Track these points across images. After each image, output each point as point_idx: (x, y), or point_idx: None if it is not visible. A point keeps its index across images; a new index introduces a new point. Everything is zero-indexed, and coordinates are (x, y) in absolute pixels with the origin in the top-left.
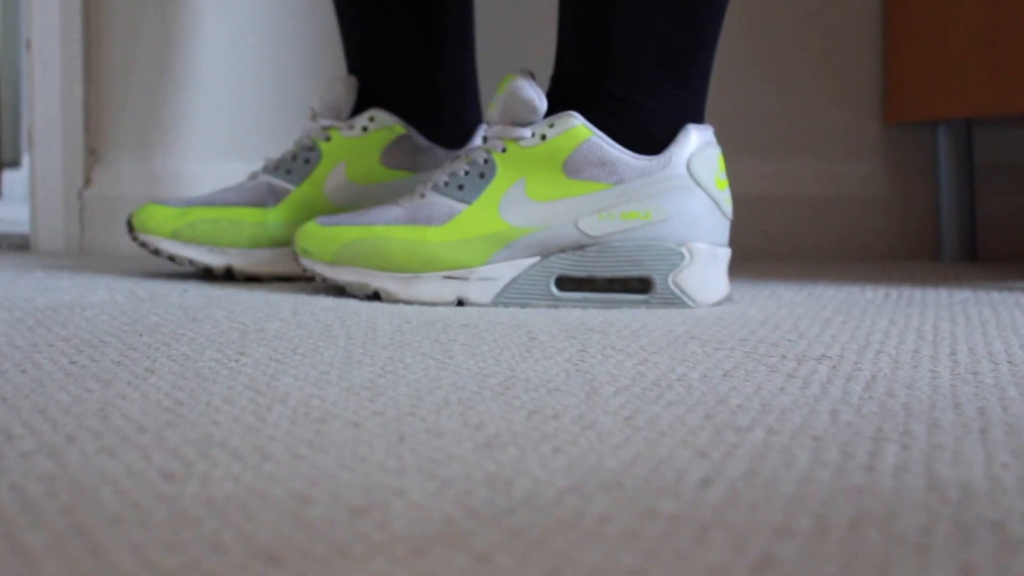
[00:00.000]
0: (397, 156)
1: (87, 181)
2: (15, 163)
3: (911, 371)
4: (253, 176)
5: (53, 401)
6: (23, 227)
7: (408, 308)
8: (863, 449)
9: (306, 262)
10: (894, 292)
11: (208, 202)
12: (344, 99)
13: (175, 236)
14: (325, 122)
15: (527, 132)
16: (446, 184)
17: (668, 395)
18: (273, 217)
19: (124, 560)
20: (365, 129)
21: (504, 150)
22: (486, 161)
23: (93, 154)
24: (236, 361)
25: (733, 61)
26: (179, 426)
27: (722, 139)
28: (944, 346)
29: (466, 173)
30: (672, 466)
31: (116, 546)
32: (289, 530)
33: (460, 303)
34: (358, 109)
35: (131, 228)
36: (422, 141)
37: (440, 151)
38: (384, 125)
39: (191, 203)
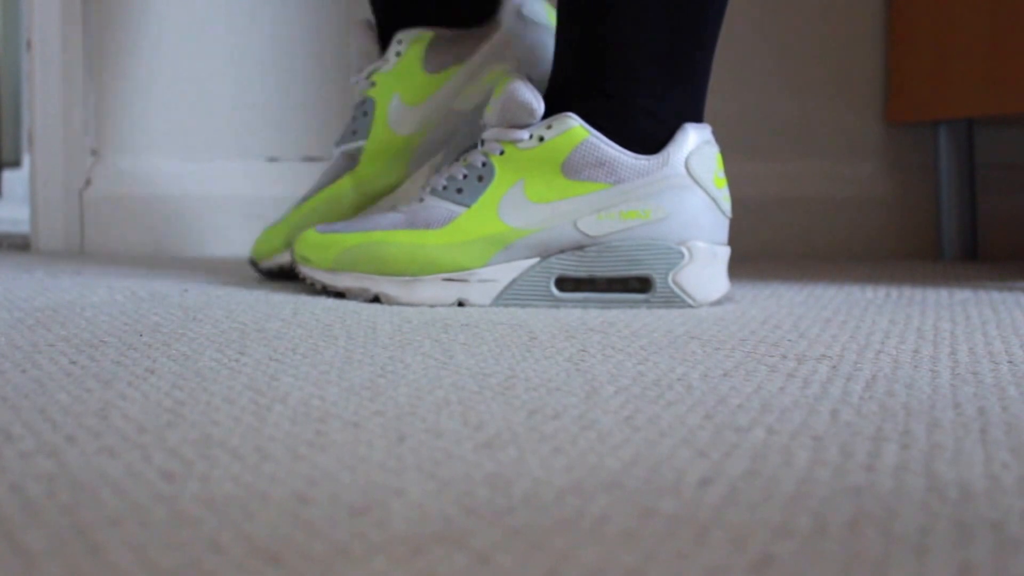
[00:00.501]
0: (437, 60)
1: (87, 181)
2: (15, 163)
3: (911, 371)
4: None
5: (53, 401)
6: (23, 227)
7: (408, 308)
8: (863, 449)
9: (305, 270)
10: (894, 292)
11: (301, 200)
12: (366, 40)
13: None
14: (366, 72)
15: (524, 134)
16: (444, 188)
17: (668, 395)
18: (362, 175)
19: (123, 560)
20: (399, 55)
21: (502, 152)
22: (484, 164)
23: (94, 154)
24: (236, 361)
25: (735, 63)
26: (179, 426)
27: (724, 141)
28: (944, 346)
29: (464, 176)
30: (672, 466)
31: (116, 546)
32: (289, 530)
33: (460, 305)
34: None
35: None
36: (453, 33)
37: (474, 32)
38: (411, 42)
39: (288, 211)
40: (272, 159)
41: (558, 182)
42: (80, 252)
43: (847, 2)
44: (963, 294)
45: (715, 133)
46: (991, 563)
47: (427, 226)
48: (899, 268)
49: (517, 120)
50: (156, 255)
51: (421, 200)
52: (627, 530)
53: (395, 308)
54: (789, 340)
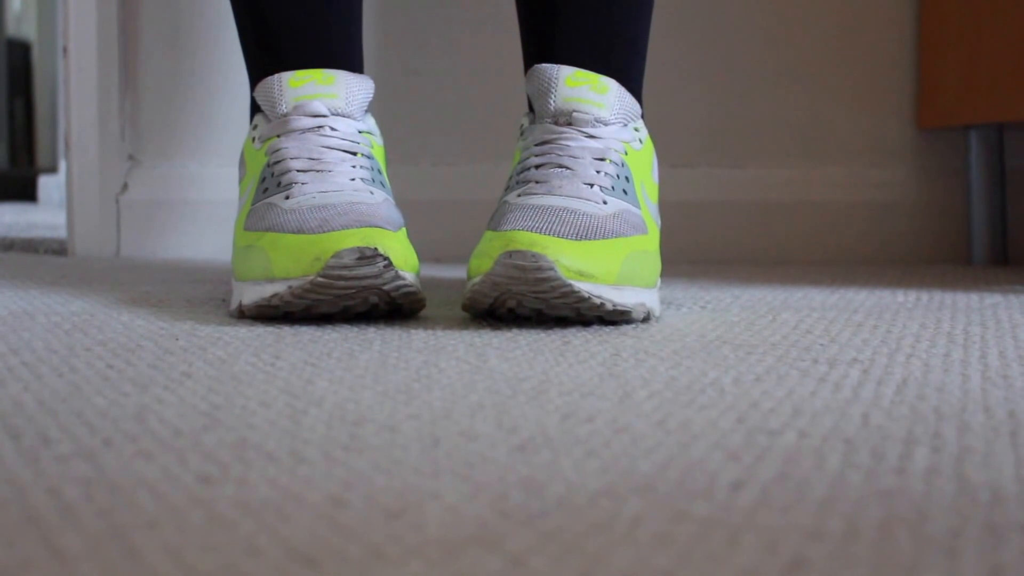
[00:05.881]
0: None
1: (124, 186)
2: (52, 169)
3: (942, 375)
4: None
5: (90, 405)
6: (60, 232)
7: (440, 313)
8: (894, 452)
9: (586, 288)
10: (925, 296)
11: None
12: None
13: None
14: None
15: (640, 135)
16: (612, 187)
17: (700, 399)
18: None
19: (160, 562)
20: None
21: (626, 152)
22: (623, 164)
23: (130, 159)
24: (272, 365)
25: (769, 70)
26: (215, 430)
27: (758, 146)
28: (974, 350)
29: (618, 176)
30: (704, 469)
31: (153, 549)
32: (324, 533)
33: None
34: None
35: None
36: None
37: None
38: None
39: None
40: None
41: (652, 185)
42: (116, 257)
43: (878, 8)
44: (993, 298)
45: (747, 138)
46: (1022, 566)
47: (643, 231)
48: (929, 272)
49: (632, 117)
50: (193, 260)
51: (605, 203)
52: (660, 533)
53: (427, 313)
54: (820, 344)
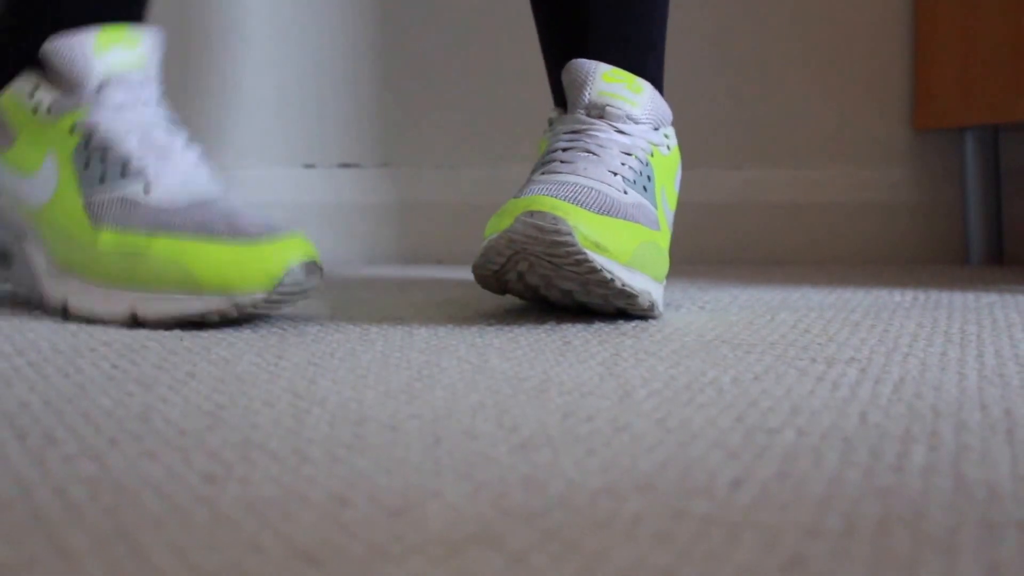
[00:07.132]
0: None
1: None
2: None
3: (939, 373)
4: None
5: (95, 405)
6: None
7: (442, 314)
8: (891, 450)
9: (600, 259)
10: (922, 295)
11: None
12: None
13: None
14: None
15: (669, 141)
16: (634, 181)
17: (700, 398)
18: None
19: (165, 561)
20: None
21: (652, 154)
22: (647, 163)
23: None
24: (275, 365)
25: (765, 71)
26: (219, 429)
27: (753, 147)
28: (971, 349)
29: (640, 173)
30: (704, 467)
31: (157, 547)
32: (327, 531)
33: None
34: None
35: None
36: None
37: None
38: None
39: None
40: (309, 166)
41: (672, 193)
42: None
43: (874, 12)
44: (989, 297)
45: (745, 139)
46: (1019, 562)
47: (656, 228)
48: (926, 272)
49: (663, 122)
50: None
51: (626, 192)
52: (660, 531)
53: (429, 313)
54: (818, 343)
